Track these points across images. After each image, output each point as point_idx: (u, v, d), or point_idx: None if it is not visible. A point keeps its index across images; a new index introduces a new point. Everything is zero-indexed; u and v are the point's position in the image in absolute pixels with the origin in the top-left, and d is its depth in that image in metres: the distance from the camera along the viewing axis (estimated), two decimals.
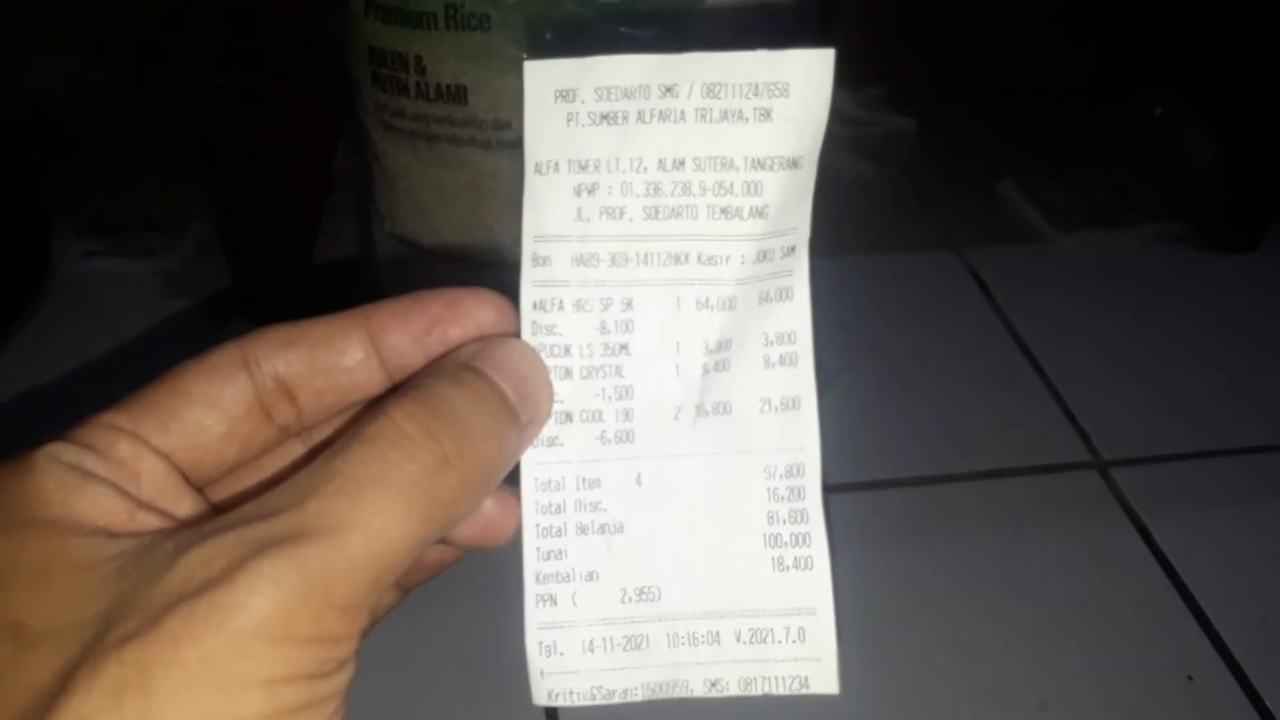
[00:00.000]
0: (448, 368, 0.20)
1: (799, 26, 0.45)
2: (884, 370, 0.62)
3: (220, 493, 0.21)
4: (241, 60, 0.58)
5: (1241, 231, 0.73)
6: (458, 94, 0.49)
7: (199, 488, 0.20)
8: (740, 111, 0.21)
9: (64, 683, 0.16)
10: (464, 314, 0.21)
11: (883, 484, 0.56)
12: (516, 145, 0.51)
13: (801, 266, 0.22)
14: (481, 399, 0.20)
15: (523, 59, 0.48)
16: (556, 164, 0.21)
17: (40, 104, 0.74)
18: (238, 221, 0.64)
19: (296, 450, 0.22)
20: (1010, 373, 0.63)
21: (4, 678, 0.16)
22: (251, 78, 0.58)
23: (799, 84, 0.21)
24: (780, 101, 0.21)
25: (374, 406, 0.19)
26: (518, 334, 0.22)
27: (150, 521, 0.19)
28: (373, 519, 0.17)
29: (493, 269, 0.53)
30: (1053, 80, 0.79)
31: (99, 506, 0.18)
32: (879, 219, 0.71)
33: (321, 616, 0.16)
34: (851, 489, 0.55)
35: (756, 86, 0.21)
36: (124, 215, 0.71)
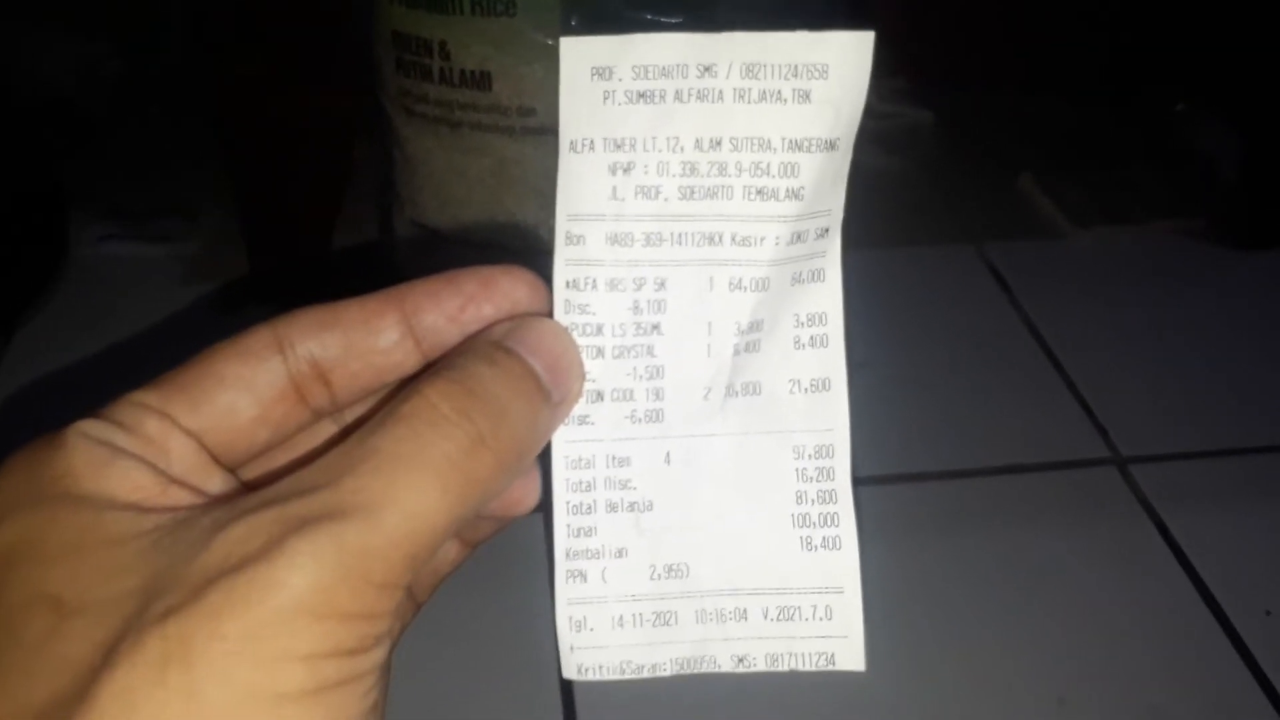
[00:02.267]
0: (481, 347, 0.20)
1: (826, 15, 0.45)
2: (902, 364, 0.61)
3: (251, 472, 0.21)
4: (260, 48, 0.58)
5: (1261, 228, 0.73)
6: (482, 80, 0.49)
7: (229, 469, 0.20)
8: (779, 92, 0.21)
9: (106, 656, 0.16)
10: (498, 292, 0.21)
11: (900, 478, 0.55)
12: (540, 132, 0.52)
13: (834, 248, 0.22)
14: (515, 379, 0.20)
15: (547, 45, 0.48)
16: (592, 142, 0.21)
17: (57, 91, 0.74)
18: (256, 209, 0.64)
19: (329, 430, 0.22)
20: (1029, 368, 0.63)
21: (43, 649, 0.16)
22: (270, 66, 0.58)
23: (838, 66, 0.21)
24: (819, 83, 0.21)
25: (409, 385, 0.19)
26: (550, 312, 0.22)
27: (182, 497, 0.18)
28: (409, 497, 0.17)
29: (515, 256, 0.53)
30: (1072, 75, 0.78)
31: (130, 481, 0.18)
32: (897, 212, 0.71)
33: (360, 593, 0.17)
34: (869, 482, 0.54)
35: (795, 67, 0.21)
36: (141, 201, 0.71)
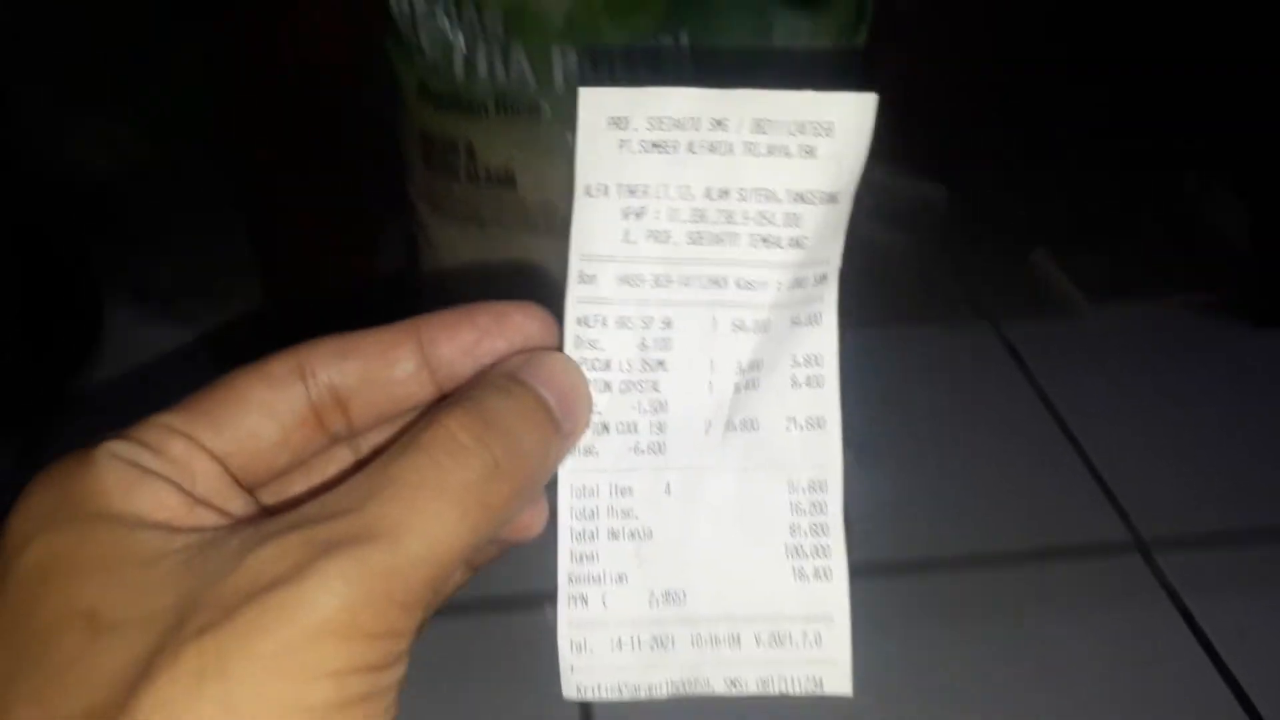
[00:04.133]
0: (497, 380, 0.21)
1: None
2: (917, 446, 0.61)
3: (269, 495, 0.22)
4: (280, 133, 0.59)
5: (1275, 303, 0.72)
6: (507, 179, 0.50)
7: (248, 491, 0.21)
8: (786, 147, 0.22)
9: (144, 669, 0.16)
10: (511, 326, 0.22)
11: (913, 565, 0.55)
12: (564, 232, 0.52)
13: (831, 294, 0.23)
14: (528, 410, 0.21)
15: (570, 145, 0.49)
16: (606, 187, 0.23)
17: (86, 175, 0.76)
18: (281, 290, 0.65)
19: (343, 455, 0.23)
20: (1047, 449, 0.62)
21: (78, 663, 0.17)
22: (290, 151, 0.59)
23: (842, 124, 0.22)
24: (824, 140, 0.22)
25: (428, 415, 0.20)
26: (560, 347, 0.23)
27: (207, 518, 0.19)
28: (429, 523, 0.18)
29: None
30: (1083, 150, 0.78)
31: (158, 501, 0.19)
32: (911, 289, 0.71)
33: (384, 613, 0.17)
34: (882, 570, 0.54)
35: (802, 125, 0.22)
36: (168, 283, 0.73)
